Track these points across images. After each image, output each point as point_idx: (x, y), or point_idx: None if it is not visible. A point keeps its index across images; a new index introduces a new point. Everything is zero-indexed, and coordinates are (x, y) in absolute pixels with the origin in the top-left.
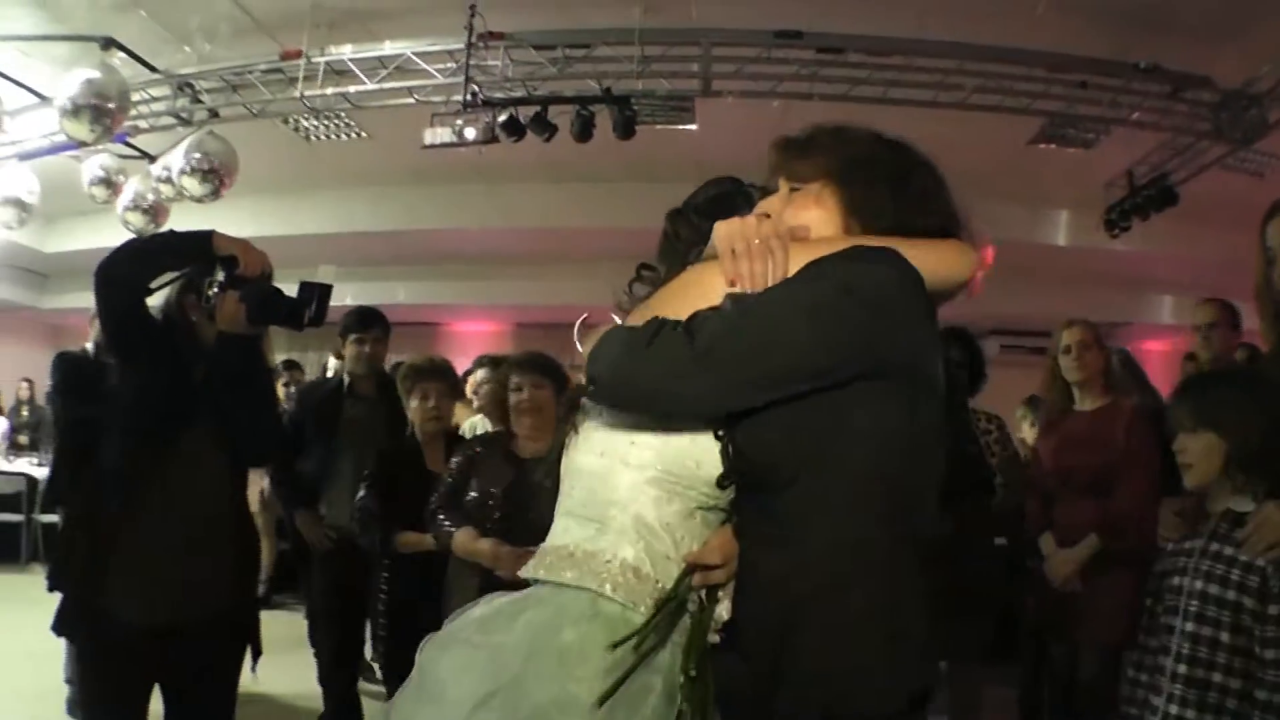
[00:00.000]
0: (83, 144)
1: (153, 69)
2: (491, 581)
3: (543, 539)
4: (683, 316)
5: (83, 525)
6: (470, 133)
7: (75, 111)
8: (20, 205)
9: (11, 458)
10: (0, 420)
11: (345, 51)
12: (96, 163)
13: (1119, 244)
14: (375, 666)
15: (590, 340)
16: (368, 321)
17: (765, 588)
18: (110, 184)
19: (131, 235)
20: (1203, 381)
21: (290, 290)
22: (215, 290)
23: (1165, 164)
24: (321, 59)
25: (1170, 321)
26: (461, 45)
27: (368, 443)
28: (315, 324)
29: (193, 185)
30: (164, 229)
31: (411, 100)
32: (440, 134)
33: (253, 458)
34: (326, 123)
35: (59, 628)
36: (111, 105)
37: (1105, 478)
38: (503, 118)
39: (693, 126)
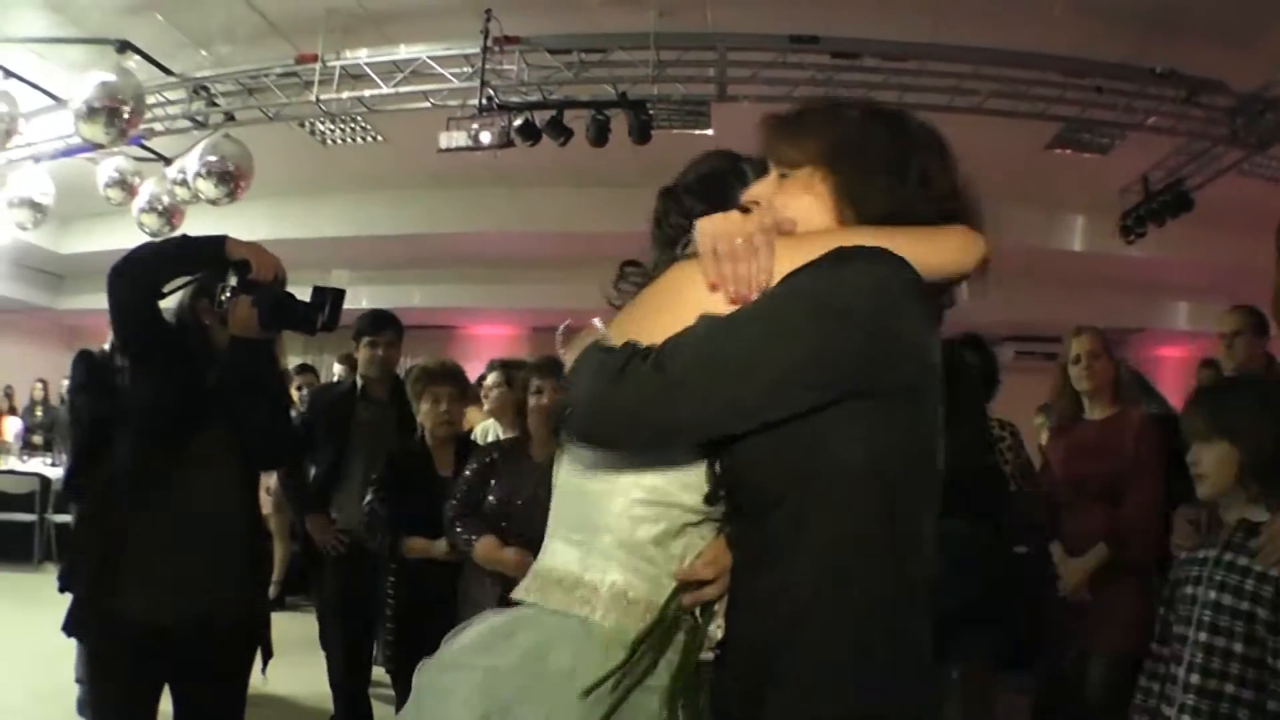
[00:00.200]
0: (98, 146)
1: (168, 72)
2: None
3: None
4: (666, 325)
5: (95, 525)
6: (486, 137)
7: (90, 114)
8: (35, 207)
9: (25, 457)
10: (15, 420)
11: (361, 55)
12: (112, 165)
13: (1134, 249)
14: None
15: (572, 350)
16: (381, 324)
17: (755, 606)
18: (125, 186)
19: (147, 237)
20: (1217, 390)
21: (305, 295)
22: (227, 295)
23: (1181, 169)
24: (337, 63)
25: (1185, 327)
26: (477, 49)
27: (380, 446)
28: (328, 328)
29: (208, 188)
30: (179, 231)
31: (427, 104)
32: (456, 138)
33: (265, 461)
34: (342, 126)
35: (69, 628)
36: (126, 108)
37: (1115, 487)
38: (518, 122)
39: (709, 131)
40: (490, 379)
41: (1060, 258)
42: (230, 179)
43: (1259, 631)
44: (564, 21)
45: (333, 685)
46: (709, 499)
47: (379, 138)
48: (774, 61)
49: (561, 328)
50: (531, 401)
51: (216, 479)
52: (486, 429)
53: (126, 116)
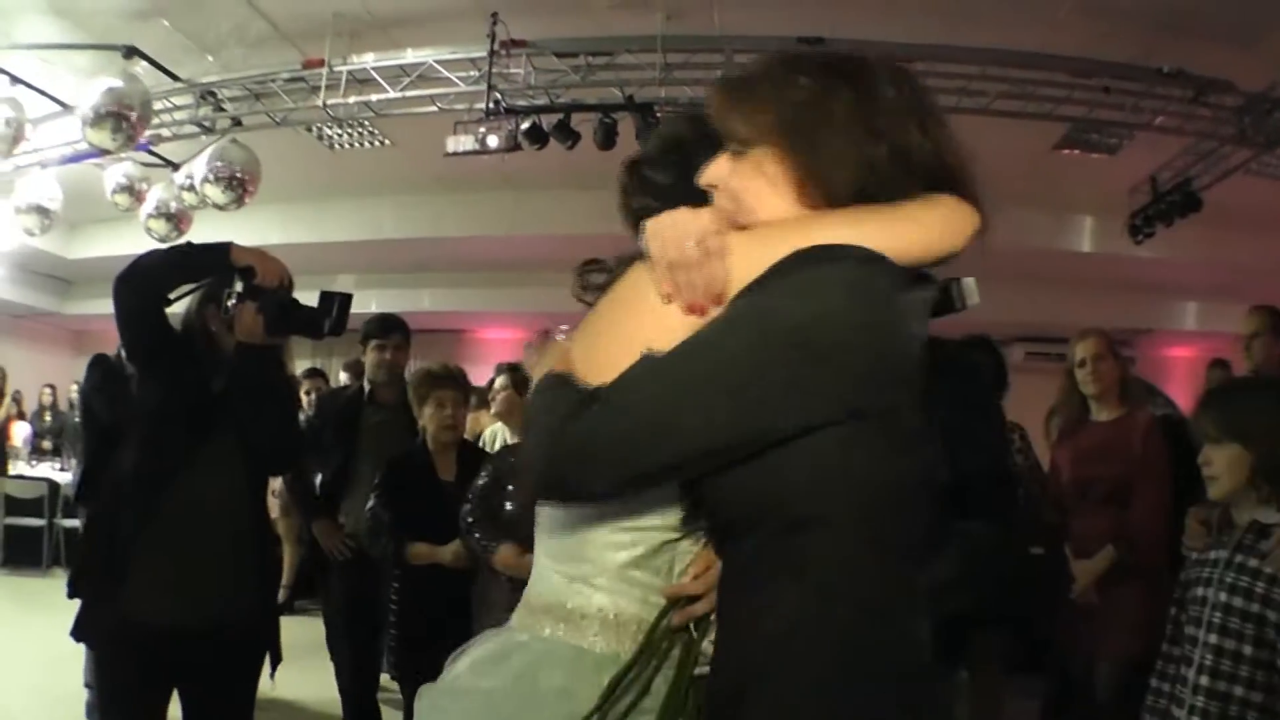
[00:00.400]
0: (105, 152)
1: (175, 78)
2: None
3: None
4: (624, 340)
5: (103, 529)
6: (493, 140)
7: (97, 120)
8: (43, 212)
9: (34, 462)
10: (23, 425)
11: (368, 60)
12: (119, 170)
13: (1143, 250)
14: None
15: (539, 366)
16: (388, 327)
17: (738, 626)
18: (133, 192)
19: (155, 242)
20: (1228, 392)
21: (312, 299)
22: (233, 301)
23: (1189, 169)
24: (344, 68)
25: (1195, 328)
26: (484, 53)
27: (388, 451)
28: (335, 333)
29: (216, 193)
30: (187, 237)
31: (434, 108)
32: (463, 142)
33: (272, 467)
34: (349, 131)
35: (78, 633)
36: (134, 114)
37: (1122, 489)
38: (525, 125)
39: None
40: (498, 382)
41: (1068, 258)
42: (238, 184)
43: (1269, 634)
44: (570, 25)
45: (341, 690)
46: (685, 521)
47: (386, 142)
48: None
49: (526, 343)
50: None
51: (224, 484)
52: (495, 432)
53: (134, 122)
